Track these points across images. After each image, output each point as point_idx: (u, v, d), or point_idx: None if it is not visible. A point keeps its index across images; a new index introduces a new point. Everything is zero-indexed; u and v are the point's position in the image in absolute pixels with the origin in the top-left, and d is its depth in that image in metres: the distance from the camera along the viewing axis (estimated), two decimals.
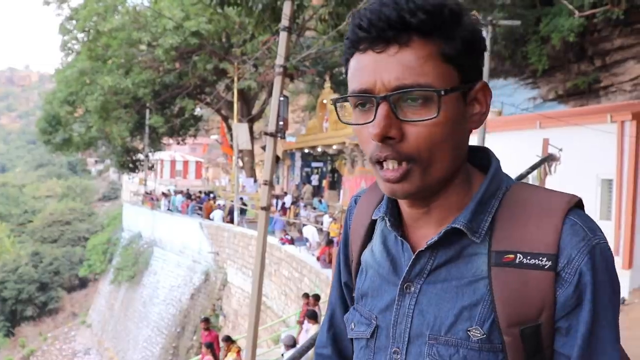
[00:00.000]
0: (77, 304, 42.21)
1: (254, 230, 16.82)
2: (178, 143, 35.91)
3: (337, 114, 0.96)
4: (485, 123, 12.18)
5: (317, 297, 11.56)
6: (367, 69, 0.87)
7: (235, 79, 24.51)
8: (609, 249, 0.88)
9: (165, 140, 34.71)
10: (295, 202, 23.13)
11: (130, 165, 34.14)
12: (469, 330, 0.88)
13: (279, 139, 8.21)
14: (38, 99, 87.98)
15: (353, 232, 1.09)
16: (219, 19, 24.91)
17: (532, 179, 10.27)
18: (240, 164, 28.18)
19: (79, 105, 30.50)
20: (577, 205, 0.91)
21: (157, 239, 28.85)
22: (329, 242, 14.52)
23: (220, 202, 25.53)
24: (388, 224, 0.98)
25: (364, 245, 1.06)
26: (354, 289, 1.07)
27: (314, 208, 22.04)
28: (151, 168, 36.76)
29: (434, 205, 0.94)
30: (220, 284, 21.59)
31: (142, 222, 31.40)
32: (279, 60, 7.84)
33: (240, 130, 21.91)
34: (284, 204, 23.53)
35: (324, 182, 28.26)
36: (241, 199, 23.59)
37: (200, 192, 30.86)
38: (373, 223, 1.05)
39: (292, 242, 17.17)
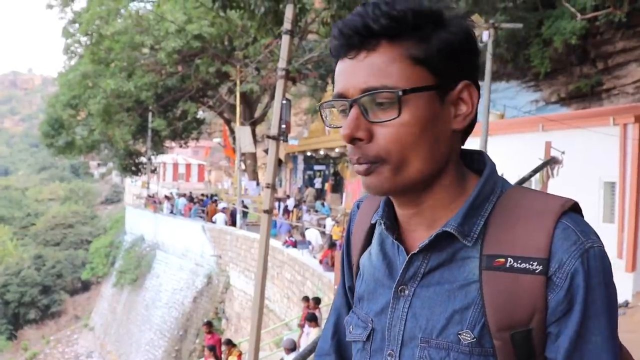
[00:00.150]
0: (80, 307, 42.23)
1: (256, 234, 16.83)
2: (180, 146, 35.95)
3: (322, 119, 0.98)
4: (487, 125, 12.19)
5: (317, 301, 11.56)
6: (342, 74, 0.91)
7: (238, 82, 24.55)
8: (604, 253, 0.87)
9: (167, 143, 34.76)
10: (297, 205, 23.14)
11: (133, 168, 34.20)
12: (459, 334, 0.88)
13: (281, 142, 8.22)
14: (41, 103, 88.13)
15: (354, 237, 1.10)
16: (221, 22, 24.95)
17: (534, 182, 10.27)
18: (243, 167, 28.21)
19: (81, 108, 30.59)
20: (572, 208, 0.91)
21: (159, 242, 28.86)
22: (332, 245, 14.51)
23: (222, 205, 25.54)
24: (383, 227, 0.98)
25: (363, 249, 1.06)
26: (355, 292, 1.08)
27: (316, 211, 22.05)
28: (154, 171, 36.81)
29: (424, 207, 0.94)
30: (223, 287, 21.58)
31: (145, 225, 31.43)
32: (281, 63, 7.85)
33: (243, 133, 21.93)
34: (286, 206, 23.54)
35: (327, 185, 28.26)
36: (242, 202, 23.61)
37: (202, 194, 30.89)
38: (373, 227, 1.05)
39: (295, 244, 17.17)
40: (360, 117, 0.89)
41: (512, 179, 8.17)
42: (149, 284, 27.99)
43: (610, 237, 10.86)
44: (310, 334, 10.04)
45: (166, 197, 32.47)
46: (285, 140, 8.89)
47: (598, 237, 0.88)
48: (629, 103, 14.07)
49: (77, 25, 29.47)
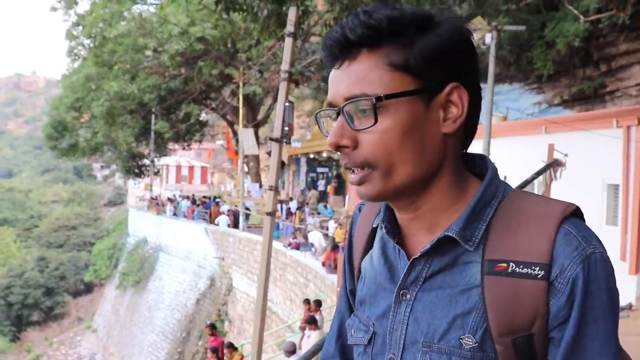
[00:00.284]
0: (83, 309, 42.30)
1: (259, 236, 16.84)
2: (183, 148, 36.00)
3: (319, 127, 1.00)
4: (490, 128, 12.18)
5: (318, 303, 11.55)
6: (331, 84, 0.94)
7: (241, 84, 24.60)
8: (606, 258, 0.87)
9: (170, 145, 34.80)
10: (300, 208, 23.15)
11: (136, 170, 34.24)
12: (461, 339, 0.89)
13: (284, 144, 8.23)
14: (45, 105, 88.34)
15: (356, 240, 1.10)
16: (224, 24, 24.98)
17: (537, 184, 10.25)
18: (246, 169, 28.22)
19: (85, 110, 30.67)
20: (574, 213, 0.91)
21: (162, 244, 28.89)
22: (334, 248, 14.51)
23: (224, 207, 25.56)
24: (384, 231, 0.99)
25: (365, 253, 1.06)
26: (357, 296, 1.08)
27: (319, 213, 22.05)
28: (157, 173, 36.87)
29: (422, 211, 0.95)
30: (226, 289, 21.59)
31: (148, 228, 31.47)
32: (284, 65, 7.87)
33: (246, 135, 21.95)
34: (289, 209, 23.54)
35: (329, 188, 28.26)
36: (243, 204, 23.64)
37: (203, 197, 30.92)
38: (374, 231, 1.06)
39: (298, 246, 17.18)
40: (345, 125, 0.91)
41: (515, 182, 8.16)
42: (152, 286, 28.01)
43: (613, 239, 10.84)
44: (311, 337, 10.03)
45: (169, 199, 32.50)
46: (288, 143, 8.89)
47: (600, 242, 0.88)
48: (632, 105, 14.04)
49: (80, 27, 29.55)
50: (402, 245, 0.98)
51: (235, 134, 28.82)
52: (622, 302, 8.92)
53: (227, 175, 51.20)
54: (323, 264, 14.61)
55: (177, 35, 24.76)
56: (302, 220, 21.02)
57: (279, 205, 20.60)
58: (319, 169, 30.14)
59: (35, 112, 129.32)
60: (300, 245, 17.20)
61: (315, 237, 17.08)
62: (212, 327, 13.00)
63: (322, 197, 27.29)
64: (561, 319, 0.86)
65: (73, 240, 48.15)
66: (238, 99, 26.13)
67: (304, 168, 30.76)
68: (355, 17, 0.90)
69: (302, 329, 11.04)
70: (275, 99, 24.87)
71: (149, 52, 27.01)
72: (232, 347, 10.93)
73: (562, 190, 8.68)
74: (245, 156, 25.01)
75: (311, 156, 28.63)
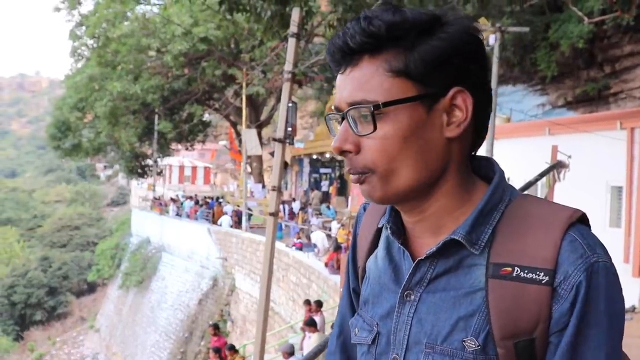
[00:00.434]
0: (86, 309, 42.35)
1: (261, 236, 16.85)
2: (186, 149, 36.05)
3: (328, 129, 1.01)
4: (494, 129, 12.17)
5: (319, 304, 11.54)
6: (337, 88, 0.95)
7: (244, 84, 24.61)
8: (609, 267, 0.88)
9: (173, 145, 34.86)
10: (303, 208, 23.15)
11: (139, 170, 34.30)
12: (464, 341, 0.89)
13: (287, 144, 8.23)
14: (48, 105, 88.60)
15: (360, 239, 1.10)
16: (227, 25, 25.02)
17: (540, 186, 10.23)
18: (249, 169, 28.24)
19: (88, 111, 30.73)
20: (581, 220, 0.91)
21: (165, 245, 28.92)
22: (337, 248, 14.52)
23: (227, 208, 25.59)
24: (389, 231, 0.99)
25: (369, 253, 1.07)
26: (361, 295, 1.09)
27: (320, 214, 22.04)
28: (160, 173, 36.93)
29: (427, 214, 0.95)
30: (228, 289, 21.60)
31: (151, 228, 31.51)
32: (288, 66, 7.87)
33: (249, 136, 21.96)
34: (291, 209, 23.55)
35: (331, 189, 28.27)
36: (246, 204, 23.66)
37: (205, 197, 30.95)
38: (379, 231, 1.06)
39: (301, 247, 17.18)
40: (348, 130, 0.92)
41: (519, 183, 8.14)
42: (155, 286, 28.05)
43: (616, 241, 10.81)
44: (312, 338, 10.03)
45: (172, 199, 32.55)
46: (291, 143, 8.89)
47: (605, 251, 0.89)
48: (636, 107, 14.01)
49: (84, 28, 29.62)
50: (407, 247, 0.98)
51: (238, 134, 28.83)
52: (626, 304, 8.90)
53: (230, 175, 51.24)
54: (326, 265, 14.61)
55: (181, 35, 24.80)
56: (305, 221, 21.03)
57: (281, 206, 20.61)
58: (322, 170, 30.15)
59: (38, 112, 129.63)
60: (303, 246, 17.21)
61: (318, 237, 17.08)
62: (216, 327, 13.02)
63: (325, 197, 27.29)
64: (562, 325, 0.86)
65: (76, 240, 48.23)
66: (241, 99, 26.14)
67: (306, 169, 30.77)
68: (357, 24, 0.90)
69: (304, 330, 11.05)
70: (278, 100, 24.87)
71: (152, 53, 27.06)
72: (232, 349, 10.93)
73: (566, 192, 8.67)
74: (248, 157, 25.02)
75: (314, 157, 28.63)
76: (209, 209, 26.48)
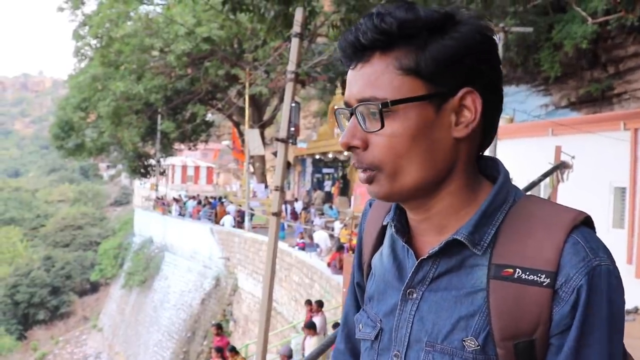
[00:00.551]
0: (89, 308, 42.44)
1: (264, 236, 16.85)
2: (189, 148, 36.07)
3: (337, 123, 1.01)
4: (497, 130, 12.14)
5: (320, 304, 11.53)
6: (348, 84, 0.95)
7: (247, 84, 24.63)
8: (612, 270, 0.87)
9: (176, 145, 34.91)
10: (306, 208, 23.16)
11: (142, 170, 34.35)
12: (464, 340, 0.89)
13: (290, 144, 8.23)
14: (51, 105, 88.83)
15: (366, 236, 1.11)
16: (230, 25, 25.03)
17: (543, 186, 10.22)
18: (252, 169, 28.26)
19: (91, 110, 30.80)
20: (585, 222, 0.91)
21: (168, 244, 28.96)
22: (340, 248, 14.51)
23: (229, 208, 25.60)
24: (394, 229, 1.00)
25: (375, 250, 1.08)
26: (366, 291, 1.10)
27: (322, 214, 22.04)
28: (162, 173, 36.99)
29: (432, 213, 0.95)
30: (231, 289, 21.62)
31: (154, 227, 31.54)
32: (291, 66, 7.87)
33: (252, 136, 21.98)
34: (294, 209, 23.55)
35: (334, 189, 28.28)
36: (248, 204, 23.67)
37: (206, 197, 30.97)
38: (384, 228, 1.07)
39: (303, 247, 17.19)
40: (357, 126, 0.92)
41: (522, 184, 8.12)
42: (157, 286, 28.08)
43: (620, 242, 10.78)
44: (312, 340, 10.02)
45: (175, 199, 32.57)
46: (294, 143, 8.89)
47: (607, 254, 0.88)
48: None
49: (87, 28, 29.66)
50: (412, 245, 0.99)
51: (241, 134, 28.87)
52: (628, 305, 8.88)
53: (233, 175, 51.28)
54: (328, 265, 14.61)
55: (184, 35, 24.82)
56: (307, 221, 21.03)
57: (283, 206, 20.61)
58: (325, 170, 30.15)
59: (42, 112, 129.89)
60: (306, 246, 17.21)
61: (321, 237, 17.08)
62: (219, 327, 13.03)
63: (328, 197, 27.30)
64: (562, 327, 0.86)
65: (79, 240, 48.32)
66: (244, 99, 26.17)
67: (309, 169, 30.78)
68: (369, 20, 0.90)
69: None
70: (281, 100, 24.89)
71: (155, 53, 27.10)
72: (233, 351, 10.91)
73: (569, 192, 8.65)
74: (251, 156, 25.04)
75: (317, 157, 28.64)
76: (211, 208, 26.51)
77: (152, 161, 33.72)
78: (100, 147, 32.86)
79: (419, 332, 0.94)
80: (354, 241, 14.14)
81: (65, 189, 67.04)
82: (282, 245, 16.25)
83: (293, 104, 8.02)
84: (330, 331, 10.32)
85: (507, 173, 0.97)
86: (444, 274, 0.93)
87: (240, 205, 25.52)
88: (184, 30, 24.75)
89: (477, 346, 0.88)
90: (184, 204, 30.22)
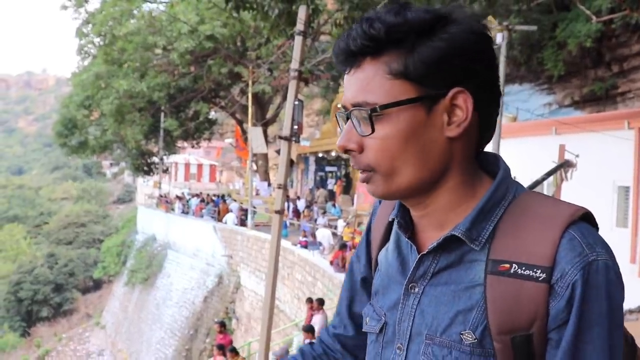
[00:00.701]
0: (92, 306, 42.53)
1: (266, 234, 16.84)
2: (192, 146, 36.09)
3: (338, 124, 1.03)
4: (500, 128, 12.12)
5: (320, 302, 11.52)
6: (344, 87, 0.98)
7: (250, 82, 24.62)
8: (611, 265, 0.88)
9: (179, 143, 34.91)
10: (309, 207, 23.15)
11: (145, 168, 34.37)
12: (462, 334, 0.91)
13: (293, 142, 8.23)
14: (55, 103, 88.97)
15: (374, 232, 1.13)
16: (234, 23, 25.02)
17: (547, 185, 10.20)
18: (255, 167, 28.26)
19: (94, 108, 30.83)
20: (584, 218, 0.91)
21: (171, 242, 28.99)
22: (343, 247, 14.51)
23: (232, 206, 25.62)
24: (397, 225, 1.03)
25: (382, 245, 1.10)
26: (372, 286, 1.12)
27: (325, 212, 22.03)
28: (166, 171, 36.99)
29: (431, 210, 0.97)
30: (234, 287, 21.64)
31: (157, 225, 31.58)
32: (294, 64, 7.87)
33: (255, 134, 21.98)
34: (296, 207, 23.54)
35: (336, 187, 28.27)
36: (251, 202, 23.67)
37: (208, 195, 31.00)
38: (391, 224, 1.09)
39: (306, 245, 17.19)
40: (352, 129, 0.95)
41: (525, 183, 8.10)
42: (160, 283, 28.12)
43: (623, 241, 10.77)
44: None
45: (177, 197, 32.60)
46: (297, 141, 8.89)
47: (606, 249, 0.89)
48: None
49: (90, 26, 29.68)
50: (415, 240, 1.01)
51: (244, 132, 28.87)
52: (632, 304, 8.86)
53: (236, 173, 51.32)
54: (331, 263, 14.61)
55: (187, 33, 24.81)
56: (310, 219, 21.02)
57: (285, 204, 20.60)
58: (328, 168, 30.15)
59: (45, 109, 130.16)
60: (309, 244, 17.22)
61: (324, 235, 17.08)
62: (222, 325, 13.03)
63: (331, 196, 27.29)
64: (559, 322, 0.87)
65: (82, 237, 48.41)
66: (247, 97, 26.16)
67: (312, 167, 30.78)
68: (359, 26, 0.93)
69: None
70: (284, 98, 24.88)
71: (158, 51, 27.10)
72: (234, 352, 10.89)
73: (573, 191, 8.63)
74: (254, 154, 25.04)
75: (320, 155, 28.64)
76: (214, 206, 26.55)
77: (155, 159, 33.75)
78: (104, 145, 32.90)
79: (420, 325, 0.96)
80: (357, 239, 14.14)
81: (69, 186, 67.20)
82: (284, 243, 16.26)
83: (296, 102, 8.03)
84: None
85: (507, 169, 0.98)
86: (445, 269, 0.95)
87: (241, 203, 25.54)
88: (187, 28, 24.74)
89: (475, 339, 0.90)
90: (187, 201, 30.25)
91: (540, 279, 0.87)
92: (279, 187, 7.91)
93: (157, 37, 25.96)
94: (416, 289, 0.97)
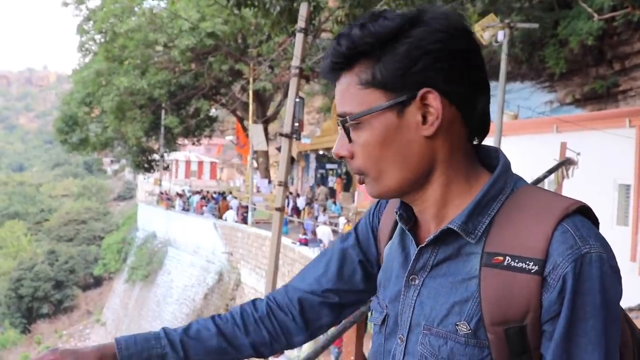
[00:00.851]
0: (92, 303, 42.57)
1: (267, 231, 16.86)
2: (193, 143, 36.09)
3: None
4: (501, 126, 12.11)
5: None
6: None
7: (251, 80, 24.59)
8: (605, 258, 0.88)
9: (180, 140, 34.90)
10: (309, 204, 23.15)
11: (146, 165, 34.38)
12: (457, 325, 0.93)
13: (294, 140, 8.23)
14: (55, 99, 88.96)
15: (382, 227, 1.16)
16: (235, 20, 24.99)
17: (548, 183, 10.19)
18: (255, 164, 28.26)
19: (95, 105, 30.80)
20: (580, 211, 0.92)
21: (171, 239, 29.01)
22: None
23: (232, 203, 25.63)
24: (398, 218, 1.05)
25: (388, 240, 1.13)
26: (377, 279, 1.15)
27: (325, 209, 22.03)
28: (166, 168, 37.00)
29: (426, 205, 1.00)
30: (234, 284, 21.66)
31: (157, 222, 31.61)
32: (295, 61, 7.86)
33: (256, 131, 21.99)
34: (295, 204, 23.52)
35: (336, 184, 28.27)
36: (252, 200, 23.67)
37: (207, 192, 31.00)
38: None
39: (306, 243, 17.20)
40: (344, 137, 1.00)
41: (526, 180, 8.09)
42: (161, 280, 28.15)
43: (624, 240, 10.76)
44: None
45: (178, 194, 32.61)
46: (298, 139, 8.89)
47: (601, 242, 0.89)
48: None
49: (91, 22, 29.67)
50: (417, 234, 1.04)
51: (245, 129, 28.85)
52: (633, 302, 8.86)
53: (236, 170, 51.34)
54: None
55: (188, 30, 24.79)
56: (311, 217, 21.02)
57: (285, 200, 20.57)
58: (328, 166, 30.15)
59: (46, 106, 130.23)
60: (309, 242, 17.22)
61: (324, 231, 17.09)
62: None
63: (331, 193, 27.29)
64: (552, 314, 0.88)
65: (83, 234, 48.44)
66: (248, 94, 26.15)
67: (313, 164, 30.78)
68: (332, 43, 0.99)
69: None
70: (285, 95, 24.87)
71: (159, 48, 27.07)
72: None
73: (574, 189, 8.62)
74: (255, 152, 25.04)
75: (320, 152, 28.64)
76: (216, 204, 26.58)
77: (156, 156, 33.75)
78: (104, 142, 32.89)
79: (419, 316, 0.99)
80: None
81: (69, 183, 67.24)
82: (285, 240, 16.26)
83: (297, 100, 8.02)
84: (332, 330, 10.28)
85: (506, 163, 1.00)
86: (443, 262, 0.98)
87: (240, 201, 25.54)
88: (188, 25, 24.71)
89: (469, 330, 0.92)
90: (188, 199, 30.26)
91: (532, 271, 0.88)
92: (280, 185, 7.90)
93: (158, 34, 25.94)
94: (416, 281, 1.00)
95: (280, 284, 16.20)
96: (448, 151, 0.97)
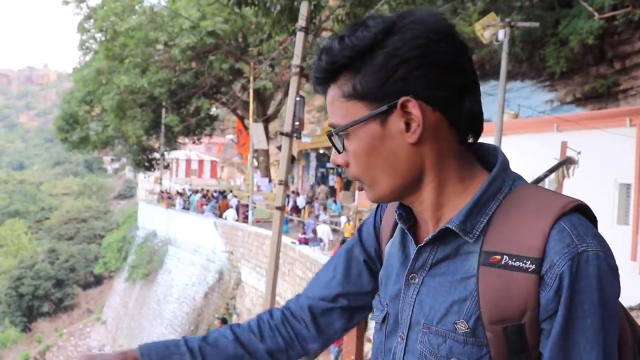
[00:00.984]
0: (92, 301, 42.58)
1: (267, 230, 16.86)
2: (194, 142, 36.07)
3: None
4: (501, 125, 12.10)
5: None
6: None
7: (251, 78, 24.58)
8: (602, 256, 0.89)
9: (180, 139, 34.89)
10: (310, 203, 23.15)
11: (146, 164, 34.38)
12: (456, 323, 0.94)
13: (294, 139, 8.23)
14: (56, 98, 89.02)
15: (384, 226, 1.17)
16: (235, 18, 24.98)
17: (548, 182, 10.19)
18: (255, 163, 28.26)
19: (96, 104, 30.81)
20: (577, 209, 0.93)
21: (171, 238, 29.02)
22: (343, 243, 14.50)
23: (232, 202, 25.63)
24: (397, 217, 1.07)
25: (389, 239, 1.14)
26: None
27: (325, 208, 22.03)
28: (167, 167, 37.00)
29: (423, 207, 1.01)
30: (234, 283, 21.66)
31: (157, 221, 31.61)
32: (296, 60, 7.86)
33: (256, 130, 21.99)
34: (295, 203, 23.51)
35: (336, 183, 28.26)
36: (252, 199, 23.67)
37: (208, 191, 30.99)
38: None
39: (306, 242, 17.20)
40: (338, 146, 1.02)
41: (526, 179, 8.09)
42: (161, 279, 28.16)
43: (624, 239, 10.76)
44: None
45: (178, 193, 32.61)
46: (299, 138, 8.89)
47: (598, 241, 0.90)
48: None
49: (92, 21, 29.64)
50: (416, 232, 1.06)
51: (245, 128, 28.84)
52: (633, 302, 8.86)
53: (237, 169, 51.34)
54: None
55: (188, 29, 24.77)
56: (310, 215, 21.02)
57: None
58: (329, 164, 30.13)
59: (46, 105, 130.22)
60: (309, 241, 17.23)
61: (324, 230, 17.08)
62: (224, 321, 13.09)
63: (332, 192, 27.28)
64: (550, 312, 0.89)
65: (83, 233, 48.45)
66: (248, 93, 26.12)
67: (313, 163, 30.78)
68: (315, 58, 1.02)
69: None
70: (285, 94, 24.84)
71: (159, 46, 27.06)
72: None
73: (574, 188, 8.63)
74: (255, 151, 25.04)
75: (321, 151, 28.62)
76: (216, 202, 26.59)
77: (156, 155, 33.75)
78: (105, 141, 32.89)
79: (418, 314, 1.00)
80: None
81: (70, 182, 67.25)
82: (285, 239, 16.27)
83: (298, 98, 8.02)
84: None
85: (504, 162, 1.00)
86: (442, 261, 0.99)
87: (240, 200, 25.54)
88: (188, 23, 24.70)
89: (468, 329, 0.93)
90: (188, 197, 30.26)
91: (529, 270, 0.89)
92: (280, 184, 7.91)
93: (159, 32, 25.93)
94: (416, 280, 1.01)
95: (280, 283, 16.26)
96: (437, 155, 0.97)
